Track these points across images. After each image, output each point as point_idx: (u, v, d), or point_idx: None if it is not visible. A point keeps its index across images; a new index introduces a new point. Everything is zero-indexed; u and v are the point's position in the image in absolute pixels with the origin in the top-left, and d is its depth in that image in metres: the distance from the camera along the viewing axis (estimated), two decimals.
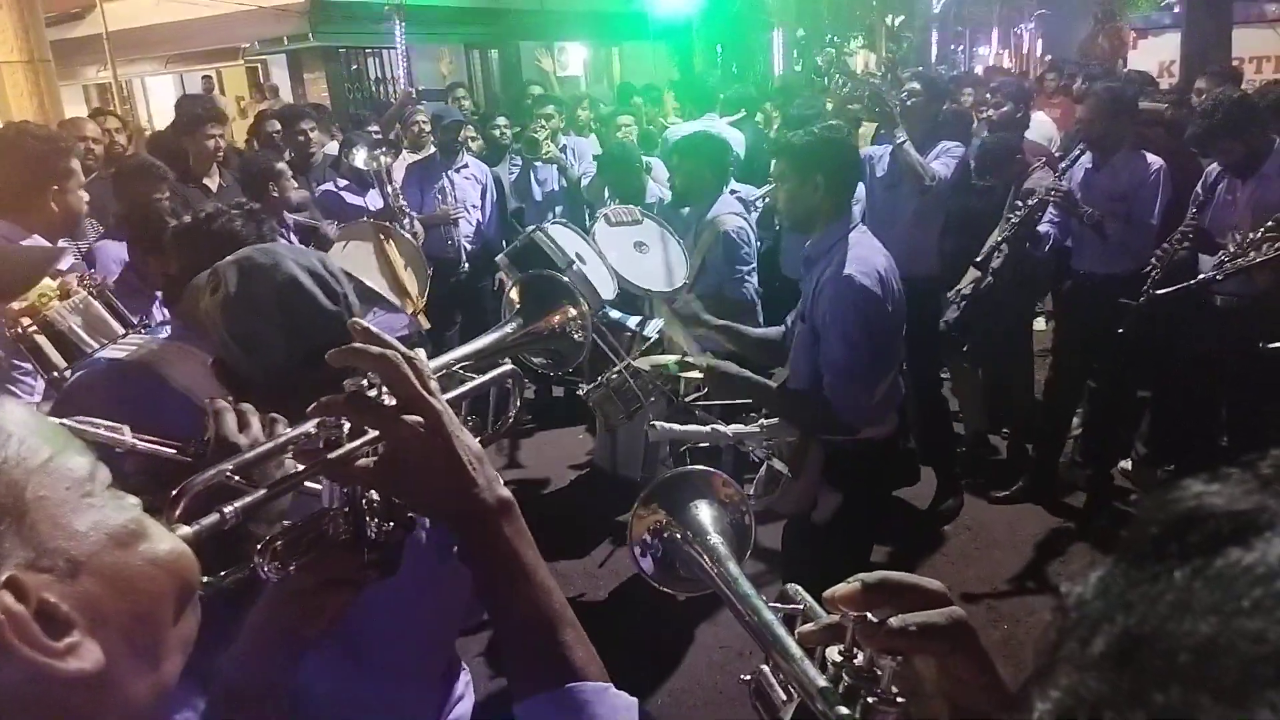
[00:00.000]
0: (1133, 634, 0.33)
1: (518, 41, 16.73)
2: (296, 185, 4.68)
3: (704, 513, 1.03)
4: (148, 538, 0.65)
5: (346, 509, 0.83)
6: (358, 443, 0.82)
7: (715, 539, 1.00)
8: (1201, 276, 3.54)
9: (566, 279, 1.34)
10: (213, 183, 4.91)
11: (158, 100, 15.05)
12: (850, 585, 0.74)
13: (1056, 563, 4.07)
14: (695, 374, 3.03)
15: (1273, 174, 3.82)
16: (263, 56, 14.63)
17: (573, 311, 1.34)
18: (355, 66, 15.06)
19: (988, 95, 6.03)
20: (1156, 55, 7.12)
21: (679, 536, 1.03)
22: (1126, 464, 4.73)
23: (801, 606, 0.88)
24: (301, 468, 0.85)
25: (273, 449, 0.87)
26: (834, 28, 19.00)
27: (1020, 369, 4.99)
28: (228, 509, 0.76)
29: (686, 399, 3.22)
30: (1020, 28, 22.82)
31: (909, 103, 4.51)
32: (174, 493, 0.76)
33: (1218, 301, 3.86)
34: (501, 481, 0.88)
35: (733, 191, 4.50)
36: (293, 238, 4.73)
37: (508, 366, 1.09)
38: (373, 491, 0.84)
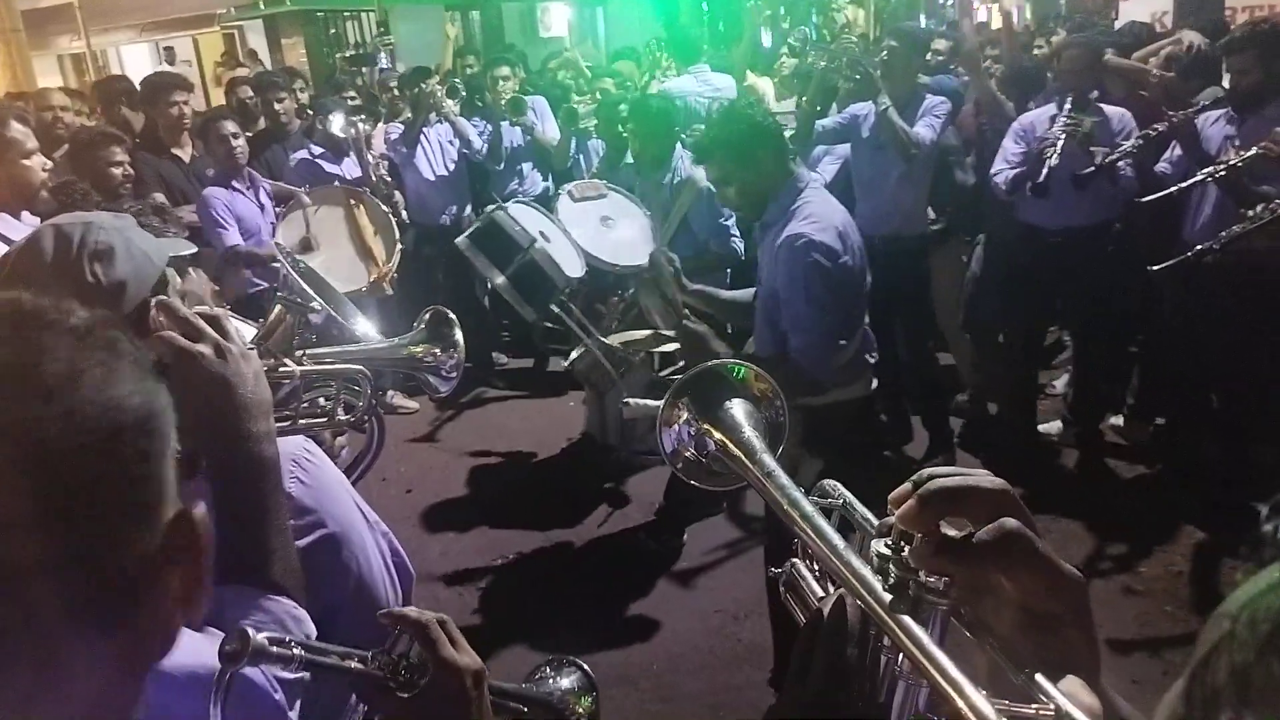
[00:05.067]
0: None
1: (499, 2, 16.44)
2: (240, 148, 4.58)
3: (737, 408, 0.99)
4: None
5: None
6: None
7: (750, 433, 0.95)
8: (1199, 247, 3.46)
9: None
10: (185, 152, 4.82)
11: (133, 69, 14.77)
12: (908, 500, 0.70)
13: (1048, 519, 4.06)
14: (669, 347, 3.00)
15: (1273, 116, 3.75)
16: (239, 22, 14.35)
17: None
18: (334, 30, 14.80)
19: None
20: (1149, 6, 7.01)
21: (711, 432, 0.98)
22: (1118, 420, 4.72)
23: (840, 500, 0.85)
24: None
25: None
26: None
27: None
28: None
29: (662, 373, 3.18)
30: None
31: (886, 60, 4.43)
32: None
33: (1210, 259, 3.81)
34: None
35: None
36: (266, 201, 4.67)
37: (356, 366, 1.22)
38: None
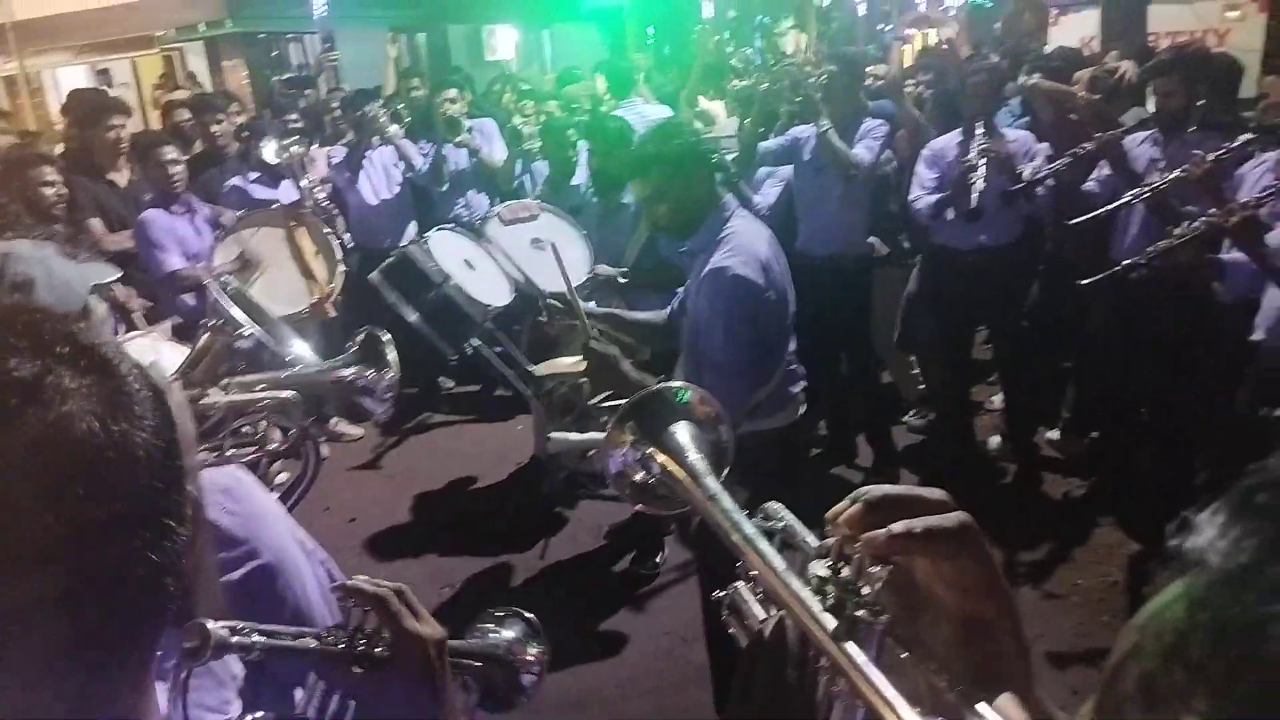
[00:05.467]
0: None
1: (445, 25, 16.42)
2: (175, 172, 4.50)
3: (682, 431, 0.99)
4: None
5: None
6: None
7: (694, 456, 0.96)
8: (1126, 262, 3.55)
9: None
10: (121, 176, 4.72)
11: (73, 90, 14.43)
12: (853, 505, 0.71)
13: (995, 536, 4.12)
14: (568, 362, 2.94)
15: (1196, 138, 3.88)
16: (179, 45, 14.12)
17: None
18: (276, 53, 14.63)
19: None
20: (1078, 31, 7.28)
21: (655, 455, 0.99)
22: (1054, 434, 4.82)
23: (782, 522, 0.86)
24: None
25: None
26: (765, 8, 19.03)
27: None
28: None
29: (590, 402, 3.12)
30: (946, 5, 23.11)
31: (826, 83, 4.51)
32: None
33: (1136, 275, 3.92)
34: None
35: None
36: (204, 226, 4.59)
37: (288, 394, 1.19)
38: None
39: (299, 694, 1.26)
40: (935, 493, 0.71)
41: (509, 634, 1.27)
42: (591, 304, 3.03)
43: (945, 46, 5.70)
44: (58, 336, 0.58)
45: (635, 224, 4.19)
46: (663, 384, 1.04)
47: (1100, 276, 3.57)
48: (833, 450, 4.89)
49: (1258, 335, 3.21)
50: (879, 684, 0.65)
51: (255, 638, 0.91)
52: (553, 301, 2.91)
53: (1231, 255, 3.25)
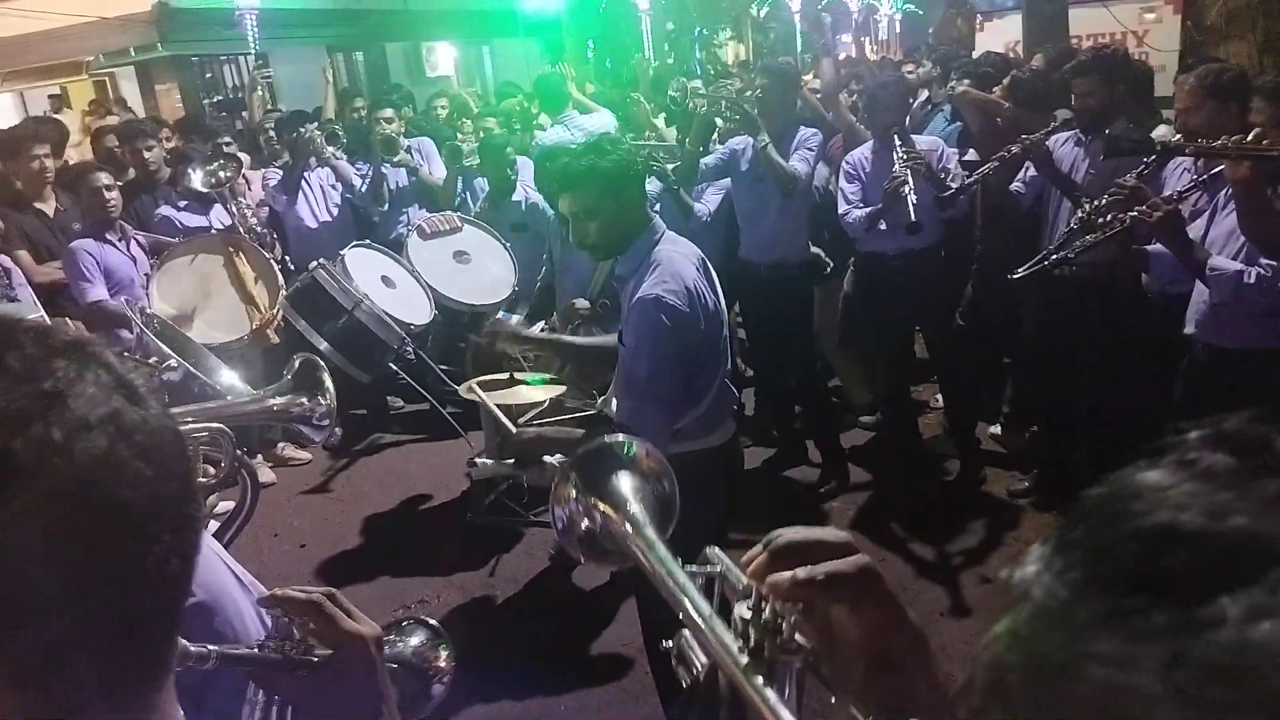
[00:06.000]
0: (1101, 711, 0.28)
1: (383, 43, 16.31)
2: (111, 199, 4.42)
3: (625, 483, 1.01)
4: None
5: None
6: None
7: (635, 507, 0.98)
8: (1055, 256, 3.65)
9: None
10: (49, 206, 4.62)
11: None
12: (759, 554, 0.75)
13: (940, 531, 4.20)
14: (515, 399, 2.90)
15: (1117, 134, 4.00)
16: (110, 70, 13.83)
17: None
18: (210, 75, 14.41)
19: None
20: (1002, 36, 7.48)
21: (598, 508, 1.01)
22: (996, 429, 4.94)
23: (719, 569, 0.88)
24: None
25: None
26: (702, 19, 19.22)
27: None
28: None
29: (519, 420, 3.07)
30: (880, 15, 23.54)
31: (760, 97, 4.58)
32: None
33: (1065, 272, 4.03)
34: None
35: None
36: (139, 254, 4.51)
37: (215, 425, 1.22)
38: None
39: (245, 712, 1.26)
40: (839, 535, 0.75)
41: (414, 641, 1.29)
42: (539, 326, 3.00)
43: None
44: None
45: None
46: (609, 438, 1.07)
47: (1029, 268, 3.67)
48: (784, 453, 4.95)
49: (1189, 329, 3.31)
50: None
51: (211, 649, 0.93)
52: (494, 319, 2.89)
53: (1156, 247, 3.35)
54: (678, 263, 2.58)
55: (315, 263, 3.52)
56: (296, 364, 1.56)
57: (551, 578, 4.18)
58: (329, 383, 1.54)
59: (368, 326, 3.09)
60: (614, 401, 2.75)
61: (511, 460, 2.74)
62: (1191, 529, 0.29)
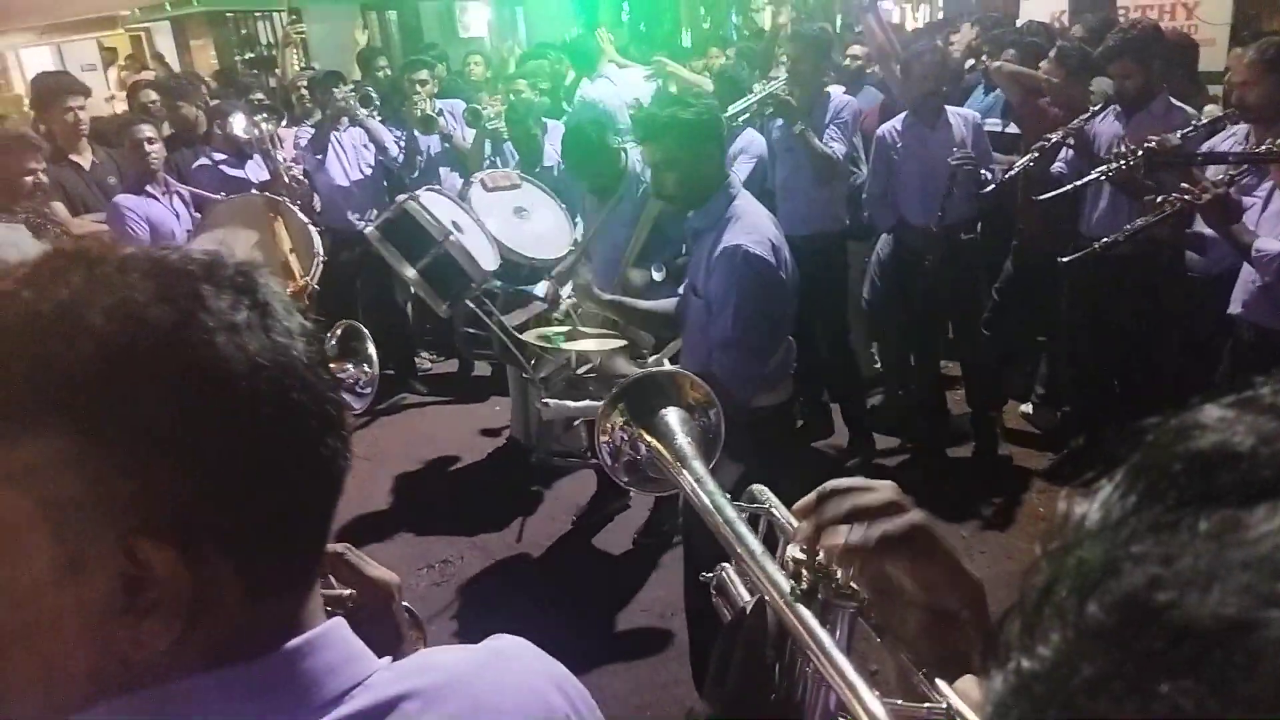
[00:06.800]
0: (1140, 601, 0.27)
1: (416, 2, 16.18)
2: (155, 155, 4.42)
3: (672, 415, 1.02)
4: None
5: None
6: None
7: (682, 440, 0.99)
8: (1105, 240, 3.56)
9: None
10: (85, 159, 4.63)
11: (36, 73, 14.09)
12: (807, 500, 0.75)
13: (962, 507, 4.17)
14: (586, 345, 2.94)
15: (1159, 113, 3.91)
16: (145, 25, 13.84)
17: None
18: (245, 31, 14.38)
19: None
20: (1048, 6, 7.25)
21: (644, 437, 1.02)
22: (1028, 407, 4.88)
23: (766, 506, 0.88)
24: None
25: None
26: None
27: None
28: None
29: (578, 371, 3.13)
30: None
31: (791, 66, 4.48)
32: None
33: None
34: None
35: None
36: (181, 208, 4.52)
37: None
38: None
39: None
40: (889, 492, 0.73)
41: None
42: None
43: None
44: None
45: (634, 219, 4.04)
46: (655, 368, 1.07)
47: (1081, 254, 3.59)
48: (811, 425, 4.92)
49: (1235, 309, 3.24)
50: (842, 664, 0.66)
51: None
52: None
53: (1207, 230, 3.28)
54: (758, 216, 2.66)
55: (404, 195, 3.58)
56: (339, 331, 1.56)
57: (574, 541, 4.20)
58: (372, 350, 1.54)
59: (455, 258, 3.16)
60: (682, 358, 2.79)
61: (582, 403, 2.81)
62: (1244, 449, 0.29)
